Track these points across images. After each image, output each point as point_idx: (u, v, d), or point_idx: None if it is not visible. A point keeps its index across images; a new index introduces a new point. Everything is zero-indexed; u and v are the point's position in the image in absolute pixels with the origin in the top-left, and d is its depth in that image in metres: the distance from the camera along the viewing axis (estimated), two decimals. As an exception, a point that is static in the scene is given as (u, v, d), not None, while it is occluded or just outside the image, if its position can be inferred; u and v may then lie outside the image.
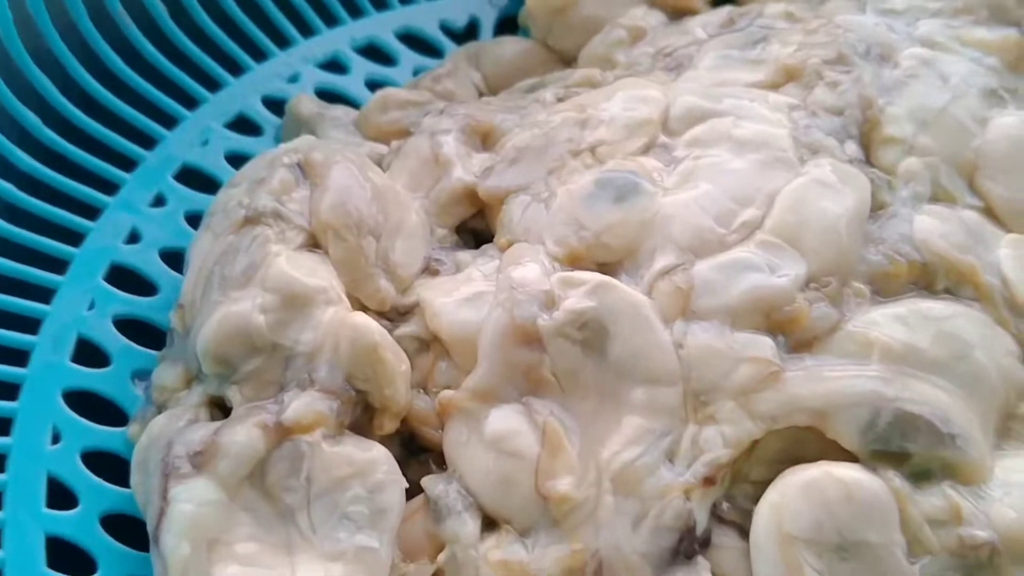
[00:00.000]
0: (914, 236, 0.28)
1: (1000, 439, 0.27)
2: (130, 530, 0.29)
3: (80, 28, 0.36)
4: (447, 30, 0.43)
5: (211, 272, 0.30)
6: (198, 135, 0.37)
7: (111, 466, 0.30)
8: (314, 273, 0.29)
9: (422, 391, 0.29)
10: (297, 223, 0.30)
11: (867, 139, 0.31)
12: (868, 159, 0.31)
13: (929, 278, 0.28)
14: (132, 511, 0.29)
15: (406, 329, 0.30)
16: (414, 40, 0.42)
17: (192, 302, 0.30)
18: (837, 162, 0.29)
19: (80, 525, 0.29)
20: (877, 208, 0.29)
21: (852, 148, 0.30)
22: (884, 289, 0.28)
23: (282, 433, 0.27)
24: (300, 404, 0.27)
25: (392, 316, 0.30)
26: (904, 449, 0.25)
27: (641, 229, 0.29)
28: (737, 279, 0.27)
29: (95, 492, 0.30)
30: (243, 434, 0.27)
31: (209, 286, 0.30)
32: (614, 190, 0.29)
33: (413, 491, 0.28)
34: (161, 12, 0.38)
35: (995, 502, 0.25)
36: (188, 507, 0.26)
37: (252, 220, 0.30)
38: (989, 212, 0.30)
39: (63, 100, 0.35)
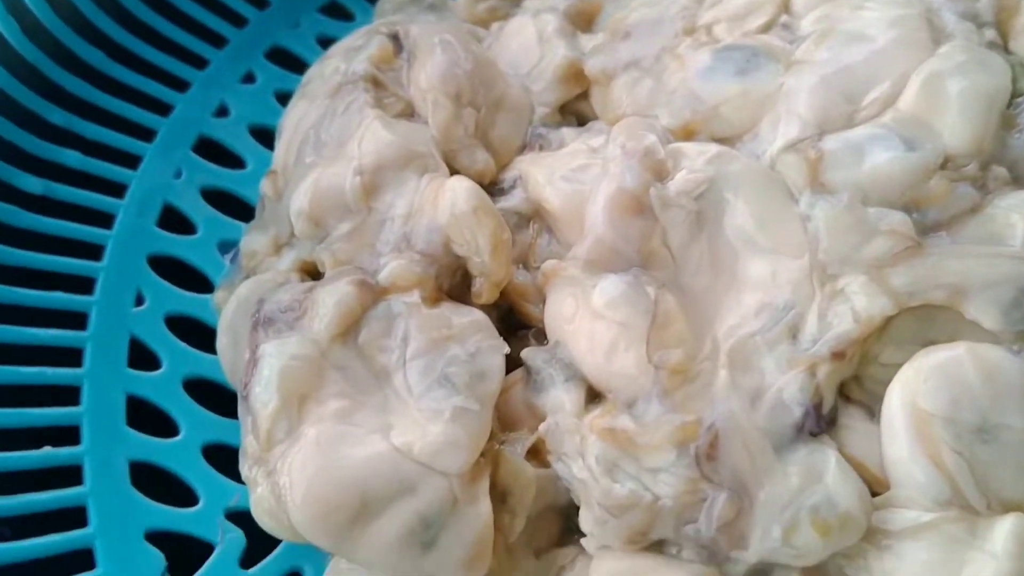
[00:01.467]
0: (1058, 122, 0.26)
1: None
2: (213, 396, 0.28)
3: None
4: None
5: (306, 136, 0.29)
6: (288, 17, 0.36)
7: (195, 332, 0.29)
8: (412, 138, 0.28)
9: (522, 266, 0.28)
10: (394, 91, 0.29)
11: (1004, 27, 0.29)
12: (1006, 47, 0.28)
13: (1073, 164, 0.26)
14: (215, 376, 0.28)
15: (506, 203, 0.28)
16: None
17: (285, 167, 0.29)
18: (972, 46, 0.27)
19: (162, 387, 0.28)
20: (1017, 95, 0.27)
21: (990, 34, 0.28)
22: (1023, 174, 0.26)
23: (378, 293, 0.26)
24: (397, 265, 0.26)
25: (491, 191, 0.28)
26: (1049, 330, 0.23)
27: (763, 103, 0.27)
28: (871, 152, 0.25)
29: (178, 355, 0.29)
30: (337, 292, 0.25)
31: (303, 150, 0.29)
32: (734, 63, 0.28)
33: (511, 367, 0.26)
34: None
35: None
36: (279, 361, 0.25)
37: (350, 84, 0.29)
38: None
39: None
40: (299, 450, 0.24)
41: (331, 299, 0.25)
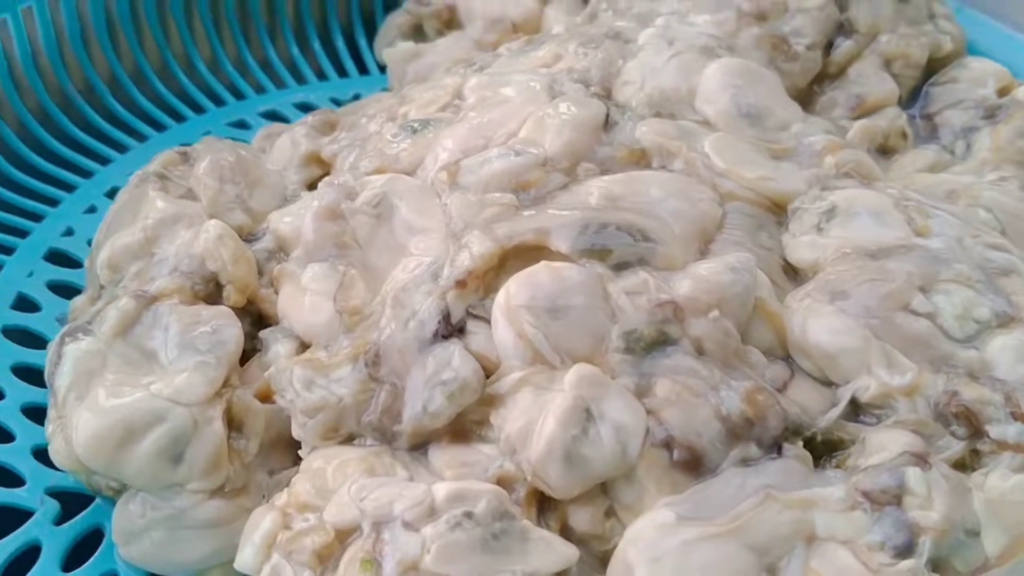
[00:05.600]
0: (636, 134, 0.37)
1: (702, 255, 0.34)
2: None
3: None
4: (335, 101, 0.54)
5: (112, 219, 0.39)
6: (126, 170, 0.48)
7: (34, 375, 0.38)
8: (183, 206, 0.38)
9: (271, 286, 0.37)
10: (179, 182, 0.40)
11: (609, 84, 0.41)
12: (610, 97, 0.40)
13: (647, 160, 0.37)
14: (43, 402, 0.37)
15: (261, 245, 0.38)
16: (308, 108, 0.54)
17: (99, 242, 0.39)
18: (578, 95, 0.39)
19: (5, 411, 0.37)
20: (612, 125, 0.38)
21: (595, 89, 0.40)
22: (611, 169, 0.37)
23: (149, 301, 0.35)
24: (163, 280, 0.35)
25: (251, 239, 0.39)
26: (606, 247, 0.33)
27: (427, 148, 0.38)
28: (492, 161, 0.36)
29: (18, 389, 0.38)
30: (118, 305, 0.35)
31: (111, 226, 0.39)
32: (410, 131, 0.39)
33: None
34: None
35: (680, 281, 0.32)
36: (73, 354, 0.34)
37: (143, 180, 0.40)
38: (705, 124, 0.39)
39: (22, 146, 0.46)
40: (82, 406, 0.32)
41: (114, 310, 0.35)
